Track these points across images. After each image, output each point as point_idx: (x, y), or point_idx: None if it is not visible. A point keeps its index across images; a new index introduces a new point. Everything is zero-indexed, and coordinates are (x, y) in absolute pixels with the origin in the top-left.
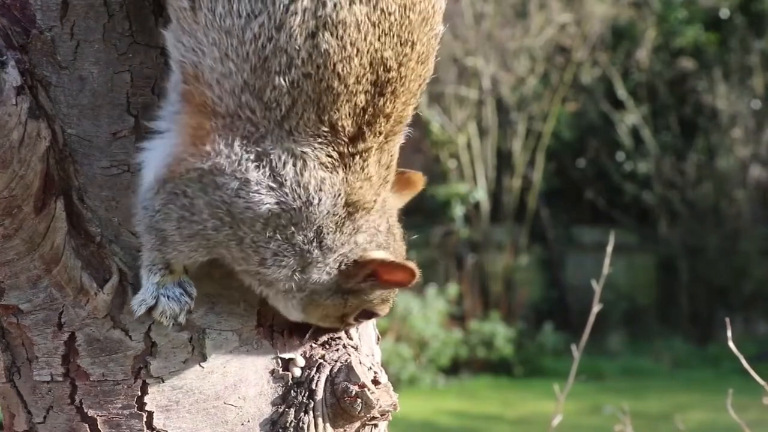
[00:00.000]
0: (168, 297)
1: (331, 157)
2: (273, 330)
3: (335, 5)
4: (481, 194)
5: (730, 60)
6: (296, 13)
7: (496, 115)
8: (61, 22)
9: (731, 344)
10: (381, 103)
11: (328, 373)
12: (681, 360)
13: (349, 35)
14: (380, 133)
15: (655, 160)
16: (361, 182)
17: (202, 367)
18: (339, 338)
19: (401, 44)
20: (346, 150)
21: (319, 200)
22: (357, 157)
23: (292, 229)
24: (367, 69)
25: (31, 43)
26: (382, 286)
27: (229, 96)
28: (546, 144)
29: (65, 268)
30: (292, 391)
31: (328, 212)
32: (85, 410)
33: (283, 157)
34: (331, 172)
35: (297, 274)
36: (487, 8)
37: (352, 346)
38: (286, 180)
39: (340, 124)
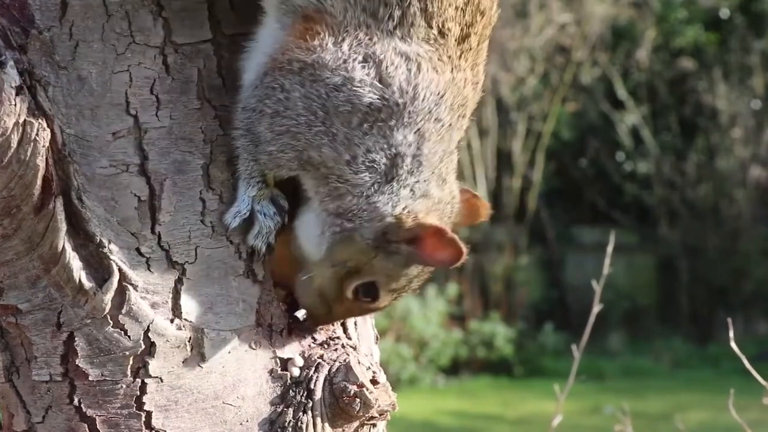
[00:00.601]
0: (264, 214)
1: (441, 60)
2: (272, 330)
3: None
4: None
5: (730, 60)
6: None
7: (496, 115)
8: (59, 22)
9: (733, 344)
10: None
11: (326, 372)
12: (681, 360)
13: None
14: (478, 34)
15: (655, 160)
16: (464, 84)
17: (201, 367)
18: (338, 338)
19: None
20: (452, 53)
21: (425, 97)
22: (461, 59)
23: (393, 122)
24: None
25: (29, 43)
26: (421, 258)
27: (343, 4)
28: (546, 144)
29: (64, 267)
30: (290, 391)
31: (431, 111)
32: (84, 410)
33: (396, 61)
34: (440, 74)
35: (374, 186)
36: None
37: (351, 346)
38: (394, 80)
39: (446, 27)
